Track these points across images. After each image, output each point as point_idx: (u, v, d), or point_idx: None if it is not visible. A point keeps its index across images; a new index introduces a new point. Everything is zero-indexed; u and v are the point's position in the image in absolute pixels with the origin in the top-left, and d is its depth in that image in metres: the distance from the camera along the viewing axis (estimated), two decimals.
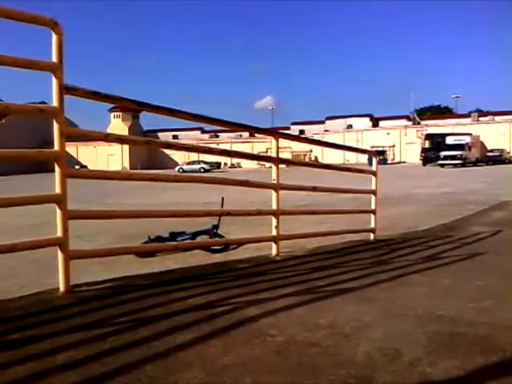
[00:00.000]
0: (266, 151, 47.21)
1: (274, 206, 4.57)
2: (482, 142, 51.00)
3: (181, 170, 49.82)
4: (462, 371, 1.70)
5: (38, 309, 2.54)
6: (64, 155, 2.98)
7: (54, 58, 2.87)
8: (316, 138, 49.89)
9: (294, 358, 1.86)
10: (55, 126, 2.91)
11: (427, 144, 52.58)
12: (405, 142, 63.20)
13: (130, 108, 3.97)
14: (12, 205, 3.09)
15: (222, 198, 6.89)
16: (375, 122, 68.82)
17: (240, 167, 60.74)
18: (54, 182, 2.94)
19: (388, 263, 4.10)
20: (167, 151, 58.39)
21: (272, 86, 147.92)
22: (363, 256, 4.53)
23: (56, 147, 2.94)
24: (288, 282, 3.27)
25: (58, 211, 2.94)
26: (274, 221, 4.58)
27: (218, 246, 6.28)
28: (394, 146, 63.49)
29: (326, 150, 54.17)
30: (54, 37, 2.85)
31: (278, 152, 4.61)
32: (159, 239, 6.62)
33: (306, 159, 56.94)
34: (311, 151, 61.56)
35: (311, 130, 66.49)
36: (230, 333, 2.13)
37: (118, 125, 69.21)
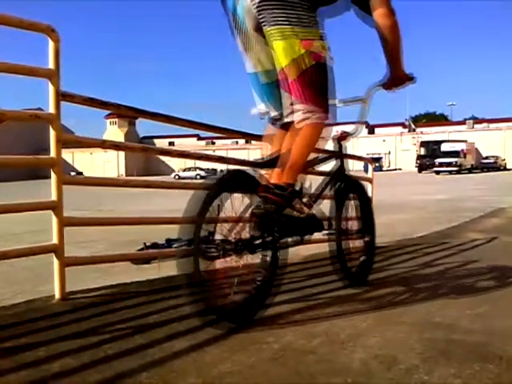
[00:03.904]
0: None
1: None
2: (476, 149, 51.33)
3: (177, 177, 49.77)
4: (459, 379, 1.70)
5: (32, 316, 2.52)
6: (60, 162, 2.97)
7: (51, 65, 2.87)
8: None
9: (291, 366, 1.85)
10: (51, 132, 2.91)
11: (422, 151, 52.82)
12: (400, 148, 63.47)
13: (127, 115, 3.97)
14: (7, 211, 3.09)
15: (218, 205, 6.87)
16: (371, 129, 69.08)
17: None
18: (50, 188, 2.93)
19: (383, 270, 4.10)
20: (163, 158, 58.38)
21: None
22: None
23: (52, 154, 2.94)
24: (284, 289, 3.26)
25: (54, 218, 2.93)
26: None
27: None
28: (389, 153, 63.70)
29: None
30: (51, 44, 2.85)
31: None
32: (155, 246, 6.60)
33: None
34: None
35: None
36: (226, 340, 2.12)
37: (114, 131, 69.22)
